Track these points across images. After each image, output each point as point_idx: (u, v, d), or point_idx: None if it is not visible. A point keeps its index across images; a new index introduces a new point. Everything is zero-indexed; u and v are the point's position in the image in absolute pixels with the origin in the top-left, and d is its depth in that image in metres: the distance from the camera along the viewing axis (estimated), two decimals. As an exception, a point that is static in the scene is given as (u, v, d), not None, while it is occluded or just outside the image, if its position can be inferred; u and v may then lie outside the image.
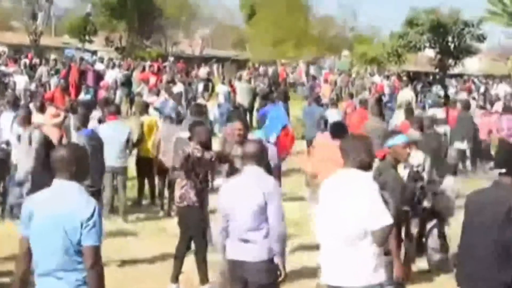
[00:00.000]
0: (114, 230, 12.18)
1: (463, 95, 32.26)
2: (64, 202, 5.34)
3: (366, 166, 6.29)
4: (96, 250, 5.31)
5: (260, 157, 7.06)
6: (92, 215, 5.29)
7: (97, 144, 11.89)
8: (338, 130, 10.37)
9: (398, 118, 18.76)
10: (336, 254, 6.14)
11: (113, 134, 13.24)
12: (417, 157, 10.58)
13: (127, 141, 13.54)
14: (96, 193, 11.04)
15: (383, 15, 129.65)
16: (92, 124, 13.44)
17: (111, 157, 13.11)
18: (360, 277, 6.04)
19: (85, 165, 5.57)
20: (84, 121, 12.43)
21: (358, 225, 6.00)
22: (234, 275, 7.07)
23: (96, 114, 14.96)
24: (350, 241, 6.03)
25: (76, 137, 12.15)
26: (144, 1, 58.92)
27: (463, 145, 18.61)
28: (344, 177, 6.30)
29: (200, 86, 29.57)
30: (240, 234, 6.91)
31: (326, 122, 17.45)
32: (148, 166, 14.45)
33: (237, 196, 6.98)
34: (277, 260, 6.91)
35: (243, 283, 6.98)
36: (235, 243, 6.98)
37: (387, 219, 6.03)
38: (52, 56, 43.50)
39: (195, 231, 9.41)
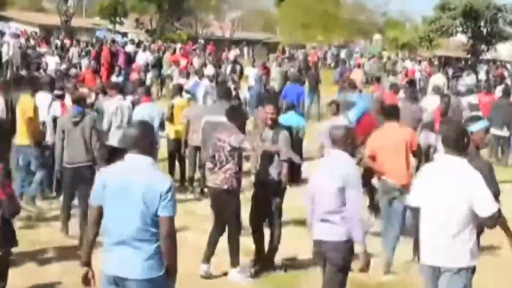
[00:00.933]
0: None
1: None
2: (141, 175, 5.65)
3: (462, 153, 6.49)
4: (172, 220, 5.66)
5: (346, 142, 7.18)
6: (170, 188, 5.64)
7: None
8: (393, 112, 10.43)
9: (430, 103, 18.52)
10: (439, 237, 6.40)
11: (147, 116, 13.15)
12: None
13: (161, 123, 13.48)
14: None
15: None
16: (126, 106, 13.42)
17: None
18: (462, 258, 6.37)
19: (154, 141, 5.99)
20: None
21: (466, 211, 6.28)
22: (317, 253, 7.43)
23: (129, 97, 14.88)
24: (455, 225, 6.30)
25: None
26: (174, -17, 58.91)
27: (502, 132, 18.39)
28: (446, 164, 6.51)
29: (229, 69, 29.44)
30: (321, 215, 7.19)
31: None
32: (178, 148, 14.39)
33: (320, 178, 7.24)
34: (357, 245, 7.17)
35: (324, 260, 7.31)
36: (317, 223, 7.28)
37: (495, 206, 6.29)
38: (83, 38, 43.63)
39: (231, 215, 9.36)
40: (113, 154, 10.97)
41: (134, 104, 14.11)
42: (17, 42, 33.16)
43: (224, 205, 9.29)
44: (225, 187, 9.25)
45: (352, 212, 7.00)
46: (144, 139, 5.79)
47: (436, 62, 45.99)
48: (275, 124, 9.84)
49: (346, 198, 6.99)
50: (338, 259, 7.17)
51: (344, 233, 7.06)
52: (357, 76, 29.80)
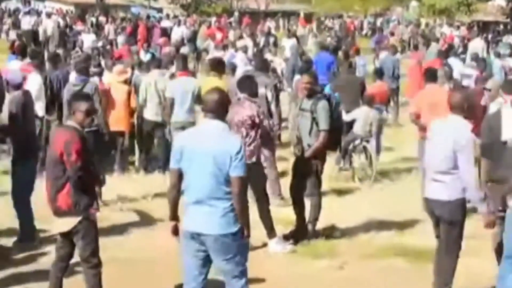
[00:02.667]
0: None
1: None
2: (215, 137, 6.10)
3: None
4: (242, 180, 6.10)
5: (463, 107, 7.53)
6: (240, 149, 6.08)
7: None
8: (433, 76, 11.92)
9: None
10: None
11: (184, 90, 13.13)
12: None
13: (198, 96, 13.40)
14: None
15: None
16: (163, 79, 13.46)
17: (182, 113, 13.04)
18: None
19: (228, 107, 6.37)
20: None
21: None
22: (428, 211, 7.86)
23: (166, 71, 14.86)
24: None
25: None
26: (207, -44, 58.67)
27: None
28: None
29: (262, 41, 29.29)
30: (433, 174, 7.56)
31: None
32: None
33: (434, 140, 7.67)
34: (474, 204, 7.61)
35: (436, 218, 7.74)
36: (428, 182, 7.65)
37: None
38: (121, 14, 43.71)
39: (258, 186, 9.35)
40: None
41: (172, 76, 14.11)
42: (53, 21, 33.38)
43: (253, 179, 9.26)
44: (253, 160, 9.21)
45: (466, 174, 7.32)
46: (221, 106, 6.20)
47: (475, 28, 45.32)
48: (312, 94, 9.77)
49: (460, 160, 7.32)
50: (451, 216, 7.52)
51: (456, 192, 7.39)
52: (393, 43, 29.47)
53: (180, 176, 6.23)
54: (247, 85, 9.75)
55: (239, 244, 6.20)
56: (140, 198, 11.52)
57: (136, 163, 13.81)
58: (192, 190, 6.16)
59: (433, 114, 10.43)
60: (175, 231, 6.47)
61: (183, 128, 13.05)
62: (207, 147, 6.04)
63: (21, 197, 9.28)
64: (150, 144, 13.73)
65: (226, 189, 6.06)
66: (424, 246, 9.17)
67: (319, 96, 9.81)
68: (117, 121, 12.86)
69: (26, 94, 9.55)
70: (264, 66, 13.91)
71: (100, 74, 13.32)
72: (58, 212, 6.99)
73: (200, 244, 6.15)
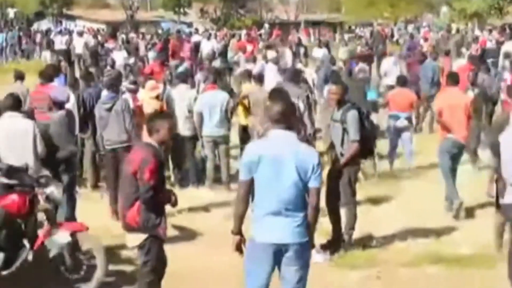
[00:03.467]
0: (220, 200, 12.09)
1: None
2: (292, 148, 6.08)
3: None
4: (319, 191, 6.15)
5: None
6: (319, 161, 6.12)
7: None
8: (454, 79, 11.89)
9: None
10: None
11: (213, 103, 13.19)
12: None
13: (227, 110, 13.43)
14: None
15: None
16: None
17: (211, 126, 13.11)
18: None
19: (295, 116, 6.41)
20: None
21: None
22: (507, 217, 8.13)
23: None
24: None
25: None
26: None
27: None
28: None
29: (288, 52, 29.16)
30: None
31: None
32: (248, 133, 14.33)
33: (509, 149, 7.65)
34: None
35: None
36: (509, 189, 7.68)
37: None
38: (150, 30, 43.98)
39: None
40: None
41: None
42: (85, 39, 33.68)
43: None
44: None
45: None
46: (289, 116, 6.18)
47: (507, 30, 44.85)
48: (341, 104, 9.77)
49: None
50: None
51: None
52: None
53: (250, 188, 6.16)
54: (278, 96, 9.74)
55: (309, 253, 6.31)
56: (175, 213, 11.53)
57: (172, 178, 13.84)
58: (269, 200, 6.07)
59: (452, 115, 11.30)
60: (239, 246, 6.38)
61: (214, 142, 13.18)
62: (290, 157, 6.02)
63: None
64: (183, 159, 13.75)
65: (302, 199, 6.09)
66: (461, 253, 9.13)
67: (349, 106, 9.77)
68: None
69: (69, 113, 9.69)
70: (295, 76, 13.88)
71: (135, 91, 13.42)
72: (127, 228, 7.16)
73: (275, 254, 6.10)
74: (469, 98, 11.84)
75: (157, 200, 7.13)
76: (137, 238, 7.15)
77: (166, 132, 7.17)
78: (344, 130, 9.56)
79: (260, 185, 6.09)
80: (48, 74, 13.54)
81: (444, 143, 11.46)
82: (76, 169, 10.46)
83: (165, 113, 7.75)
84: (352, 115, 9.56)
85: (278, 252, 6.09)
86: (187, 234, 10.54)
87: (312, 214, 6.14)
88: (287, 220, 6.06)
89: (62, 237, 8.15)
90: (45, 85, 13.09)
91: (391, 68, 21.43)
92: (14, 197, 7.93)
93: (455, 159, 11.42)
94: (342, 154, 9.60)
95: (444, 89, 13.19)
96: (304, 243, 6.13)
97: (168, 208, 11.47)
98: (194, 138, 13.57)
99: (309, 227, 6.16)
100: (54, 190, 8.19)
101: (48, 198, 8.14)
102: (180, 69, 19.72)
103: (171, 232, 10.53)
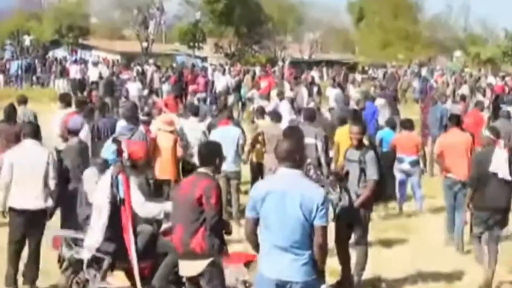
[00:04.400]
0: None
1: None
2: (297, 186, 6.07)
3: None
4: (326, 229, 6.10)
5: None
6: (325, 199, 6.08)
7: None
8: (456, 120, 12.59)
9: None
10: None
11: (225, 139, 13.20)
12: None
13: (238, 145, 13.44)
14: None
15: (496, 12, 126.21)
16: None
17: (225, 162, 13.09)
18: None
19: (304, 155, 6.36)
20: None
21: None
22: None
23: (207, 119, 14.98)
24: None
25: None
26: (251, 7, 59.36)
27: None
28: None
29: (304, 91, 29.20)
30: None
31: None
32: (262, 171, 14.29)
33: None
34: None
35: None
36: None
37: None
38: (167, 63, 44.22)
39: None
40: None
41: (210, 127, 14.16)
42: (99, 69, 33.90)
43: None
44: None
45: None
46: (295, 154, 6.16)
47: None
48: (361, 145, 9.83)
49: None
50: None
51: None
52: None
53: (256, 225, 6.22)
54: (289, 134, 9.77)
55: None
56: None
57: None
58: (275, 236, 6.07)
59: (451, 155, 11.78)
60: None
61: (226, 177, 13.16)
62: (295, 194, 6.01)
63: None
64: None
65: (309, 237, 6.04)
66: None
67: (367, 146, 9.92)
68: (164, 170, 12.93)
69: (81, 143, 9.73)
70: (312, 116, 13.90)
71: (149, 122, 13.46)
72: (191, 255, 7.11)
73: None
74: (469, 137, 12.26)
75: (220, 225, 7.28)
76: (200, 265, 7.16)
77: (219, 163, 7.44)
78: (362, 170, 9.58)
79: (265, 220, 6.13)
80: (69, 101, 13.84)
81: (445, 182, 12.14)
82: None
83: (217, 144, 7.80)
84: (371, 156, 9.64)
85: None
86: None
87: (319, 253, 6.11)
88: (292, 257, 6.05)
89: (236, 270, 8.18)
90: (78, 112, 13.19)
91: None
92: None
93: (456, 197, 11.81)
94: (358, 195, 9.59)
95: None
96: (310, 282, 6.10)
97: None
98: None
99: (316, 266, 6.13)
100: None
101: None
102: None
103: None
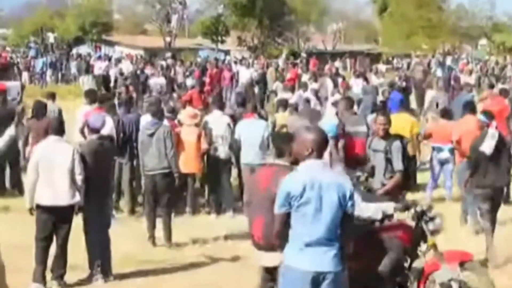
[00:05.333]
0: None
1: None
2: (331, 176, 6.11)
3: None
4: (353, 218, 6.22)
5: None
6: (352, 187, 6.18)
7: None
8: (470, 108, 13.08)
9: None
10: None
11: (251, 131, 13.22)
12: None
13: (263, 138, 13.41)
14: None
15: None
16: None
17: (250, 154, 13.12)
18: None
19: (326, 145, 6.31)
20: None
21: None
22: None
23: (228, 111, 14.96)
24: None
25: None
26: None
27: None
28: None
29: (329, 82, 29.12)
30: None
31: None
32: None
33: None
34: None
35: None
36: None
37: None
38: (191, 57, 44.27)
39: None
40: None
41: (236, 119, 14.15)
42: (124, 65, 34.03)
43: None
44: None
45: None
46: (322, 145, 6.13)
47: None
48: (387, 135, 9.85)
49: None
50: None
51: None
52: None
53: (287, 221, 6.07)
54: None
55: (345, 281, 6.28)
56: (211, 240, 11.51)
57: (208, 205, 13.85)
58: (314, 228, 5.99)
59: (466, 141, 11.86)
60: None
61: (252, 169, 13.13)
62: (331, 184, 6.00)
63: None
64: (219, 184, 13.71)
65: (338, 227, 6.05)
66: None
67: (393, 137, 9.90)
68: (188, 163, 12.96)
69: (102, 139, 9.72)
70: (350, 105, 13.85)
71: (173, 118, 13.50)
72: (272, 247, 7.05)
73: (313, 281, 6.03)
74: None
75: None
76: (280, 256, 6.97)
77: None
78: (388, 161, 9.60)
79: (303, 213, 5.99)
80: (96, 98, 14.06)
81: (460, 166, 12.70)
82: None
83: (290, 135, 7.79)
84: (397, 146, 9.68)
85: (316, 281, 6.03)
86: (223, 261, 10.50)
87: (349, 241, 6.19)
88: (326, 248, 6.02)
89: (450, 269, 7.90)
90: (100, 109, 13.24)
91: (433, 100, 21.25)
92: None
93: None
94: (383, 184, 9.59)
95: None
96: (339, 272, 6.08)
97: (204, 234, 11.61)
98: (229, 162, 13.60)
99: (344, 256, 6.12)
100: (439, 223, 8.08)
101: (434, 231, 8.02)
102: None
103: (207, 258, 10.57)
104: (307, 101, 18.56)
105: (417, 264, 8.01)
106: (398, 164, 9.60)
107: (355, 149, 11.86)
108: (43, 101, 14.72)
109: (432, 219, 7.96)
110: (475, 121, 11.99)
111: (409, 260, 8.00)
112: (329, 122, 12.49)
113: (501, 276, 9.20)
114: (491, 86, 23.70)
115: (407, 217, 8.11)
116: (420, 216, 7.96)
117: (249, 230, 7.52)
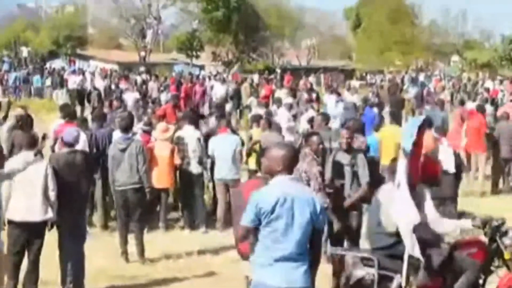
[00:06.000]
0: (230, 243, 11.98)
1: None
2: (302, 191, 6.14)
3: None
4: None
5: None
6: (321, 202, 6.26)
7: None
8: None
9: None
10: None
11: (224, 146, 13.27)
12: None
13: (236, 153, 13.44)
14: None
15: (492, 17, 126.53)
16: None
17: (223, 169, 13.16)
18: None
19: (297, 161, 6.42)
20: None
21: None
22: None
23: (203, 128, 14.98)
24: None
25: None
26: (248, 15, 59.38)
27: None
28: None
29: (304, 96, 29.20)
30: None
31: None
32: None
33: None
34: None
35: None
36: None
37: None
38: (165, 72, 44.25)
39: None
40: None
41: (209, 135, 14.15)
42: (97, 80, 33.97)
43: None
44: None
45: None
46: (293, 161, 6.20)
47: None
48: (350, 148, 10.02)
49: None
50: None
51: None
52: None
53: (253, 235, 6.06)
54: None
55: None
56: (184, 255, 11.50)
57: (181, 220, 13.84)
58: (285, 245, 5.94)
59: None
60: None
61: (226, 184, 13.17)
62: (303, 200, 6.00)
63: None
64: (192, 199, 13.71)
65: (307, 243, 6.06)
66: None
67: (356, 150, 10.16)
68: (161, 178, 12.96)
69: (74, 153, 9.66)
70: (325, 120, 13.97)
71: (149, 132, 13.52)
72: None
73: None
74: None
75: None
76: None
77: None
78: (354, 174, 9.81)
79: (274, 230, 5.94)
80: (69, 113, 13.85)
81: None
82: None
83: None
84: (361, 158, 9.95)
85: None
86: (196, 276, 10.49)
87: (317, 256, 6.25)
88: (296, 264, 5.97)
89: None
90: (70, 123, 13.19)
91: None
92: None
93: None
94: (349, 196, 9.81)
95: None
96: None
97: (177, 249, 11.60)
98: (201, 176, 13.61)
99: (312, 271, 6.16)
100: None
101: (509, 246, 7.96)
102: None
103: (180, 273, 10.56)
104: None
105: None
106: (364, 176, 9.78)
107: None
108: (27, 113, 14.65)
109: (506, 233, 7.98)
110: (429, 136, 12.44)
111: (483, 277, 8.02)
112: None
113: None
114: (462, 103, 23.93)
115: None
116: (495, 231, 7.95)
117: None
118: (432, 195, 9.48)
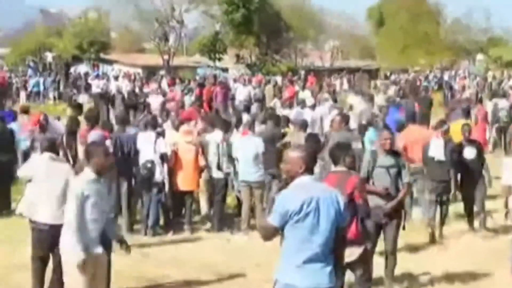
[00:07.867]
0: (253, 246, 11.97)
1: None
2: (324, 191, 6.15)
3: None
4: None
5: None
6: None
7: None
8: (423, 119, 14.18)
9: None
10: None
11: (246, 148, 13.22)
12: None
13: (259, 155, 13.37)
14: None
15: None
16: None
17: (246, 172, 13.11)
18: None
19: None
20: None
21: None
22: None
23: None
24: None
25: None
26: (271, 16, 59.30)
27: None
28: None
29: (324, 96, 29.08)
30: None
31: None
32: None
33: None
34: None
35: None
36: None
37: None
38: (189, 75, 44.35)
39: None
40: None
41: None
42: (121, 83, 34.03)
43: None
44: None
45: None
46: (313, 161, 6.25)
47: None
48: (392, 149, 10.03)
49: None
50: None
51: None
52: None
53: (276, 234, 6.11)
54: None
55: None
56: (210, 256, 11.47)
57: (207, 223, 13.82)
58: (311, 245, 5.95)
59: (413, 149, 13.28)
60: None
61: (249, 186, 13.13)
62: (327, 199, 6.03)
63: None
64: (217, 201, 13.64)
65: (332, 241, 6.06)
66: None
67: (397, 151, 10.30)
68: (186, 181, 12.95)
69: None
70: (346, 122, 13.96)
71: (162, 134, 13.53)
72: (347, 243, 7.19)
73: None
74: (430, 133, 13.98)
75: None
76: (355, 252, 7.93)
77: (351, 160, 8.34)
78: (399, 175, 9.81)
79: (300, 230, 5.94)
80: (93, 117, 13.80)
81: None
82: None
83: (345, 144, 8.94)
84: (403, 161, 10.07)
85: None
86: (221, 279, 10.45)
87: (341, 255, 6.33)
88: (322, 264, 5.99)
89: None
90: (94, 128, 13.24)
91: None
92: None
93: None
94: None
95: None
96: (335, 287, 6.12)
97: (203, 251, 11.59)
98: (222, 180, 13.57)
99: (337, 270, 6.18)
100: None
101: None
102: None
103: (204, 275, 10.52)
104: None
105: None
106: (407, 177, 9.89)
107: None
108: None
109: None
110: (419, 131, 14.04)
111: None
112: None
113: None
114: (481, 101, 23.80)
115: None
116: None
117: None
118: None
